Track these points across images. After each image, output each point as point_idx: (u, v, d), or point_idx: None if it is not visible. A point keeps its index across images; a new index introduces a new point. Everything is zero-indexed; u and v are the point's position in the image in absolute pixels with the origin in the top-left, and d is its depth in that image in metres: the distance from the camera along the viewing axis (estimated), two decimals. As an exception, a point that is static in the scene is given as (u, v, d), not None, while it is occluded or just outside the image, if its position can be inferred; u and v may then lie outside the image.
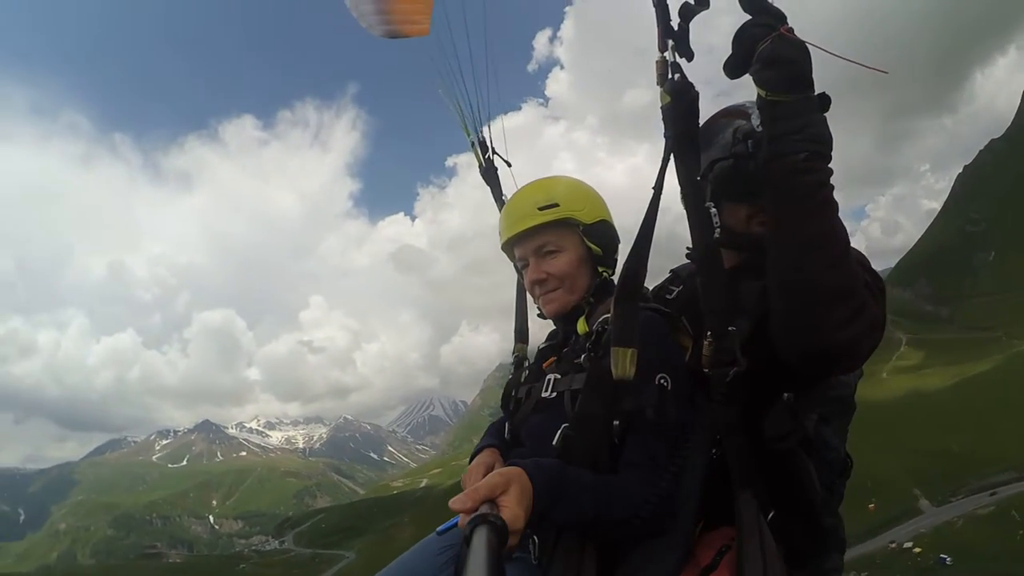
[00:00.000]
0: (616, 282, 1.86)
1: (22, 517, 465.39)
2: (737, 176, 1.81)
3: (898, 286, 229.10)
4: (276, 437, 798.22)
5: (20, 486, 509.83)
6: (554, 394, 1.86)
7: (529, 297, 2.13)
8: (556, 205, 1.92)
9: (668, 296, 2.08)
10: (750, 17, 1.52)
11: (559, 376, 1.88)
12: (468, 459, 2.05)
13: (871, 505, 69.72)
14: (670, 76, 1.65)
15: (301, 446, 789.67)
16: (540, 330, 2.29)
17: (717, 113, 2.00)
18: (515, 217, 1.98)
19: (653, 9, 1.65)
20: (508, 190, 2.69)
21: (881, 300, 1.63)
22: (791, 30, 1.48)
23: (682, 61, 1.66)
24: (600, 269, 1.99)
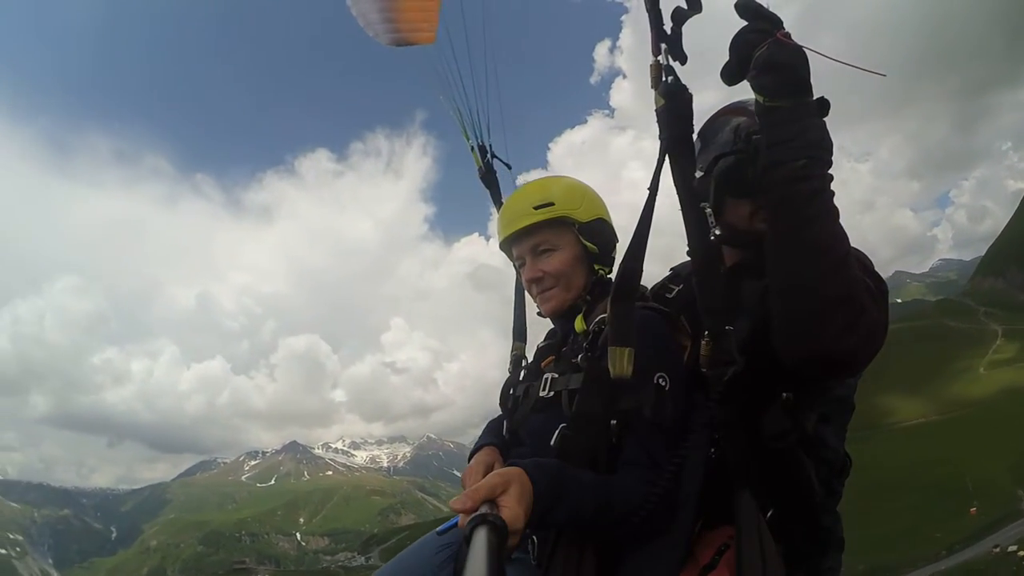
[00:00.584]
0: (612, 279, 1.92)
1: (114, 535, 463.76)
2: (740, 172, 1.78)
3: (989, 275, 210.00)
4: (361, 456, 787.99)
5: (113, 505, 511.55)
6: (551, 393, 1.85)
7: (528, 296, 2.15)
8: (551, 204, 1.94)
9: (667, 295, 2.06)
10: (746, 23, 1.51)
11: (556, 375, 1.88)
12: (467, 458, 2.02)
13: (973, 509, 67.47)
14: (664, 79, 1.66)
15: (385, 465, 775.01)
16: (541, 329, 2.32)
17: (719, 111, 2.01)
18: (511, 216, 2.00)
19: (647, 13, 1.66)
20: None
21: (883, 304, 1.61)
22: (788, 35, 1.46)
23: (676, 64, 1.66)
24: (597, 267, 2.01)
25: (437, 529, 1.60)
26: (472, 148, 2.84)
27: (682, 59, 1.65)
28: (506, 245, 2.09)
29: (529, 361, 2.28)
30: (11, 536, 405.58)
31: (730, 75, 1.53)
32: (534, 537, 1.68)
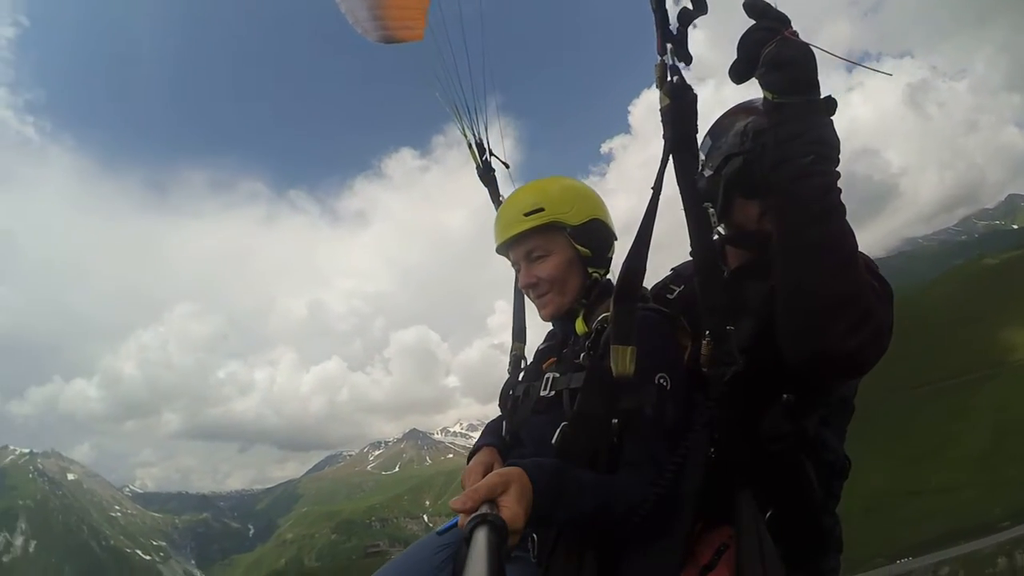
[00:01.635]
0: (610, 281, 1.96)
1: (251, 532, 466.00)
2: (750, 172, 1.79)
3: None
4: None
5: (248, 505, 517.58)
6: (552, 392, 1.86)
7: (527, 297, 2.15)
8: (541, 209, 1.93)
9: (669, 296, 2.07)
10: (753, 22, 1.51)
11: (558, 375, 1.88)
12: (467, 458, 2.03)
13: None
14: (669, 79, 1.66)
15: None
16: (540, 330, 2.31)
17: (728, 110, 2.01)
18: (503, 224, 2.00)
19: (652, 14, 1.65)
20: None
21: (888, 306, 1.60)
22: (795, 33, 1.46)
23: (681, 65, 1.67)
24: (591, 270, 1.99)
25: (437, 529, 1.59)
26: (469, 145, 2.81)
27: (687, 60, 1.65)
28: (503, 250, 2.07)
29: (528, 362, 2.27)
30: (154, 543, 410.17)
31: (738, 73, 1.54)
32: (534, 535, 1.69)
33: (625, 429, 1.61)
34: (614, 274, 1.89)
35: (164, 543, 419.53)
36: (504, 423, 2.07)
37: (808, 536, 1.74)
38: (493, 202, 2.74)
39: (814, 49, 1.47)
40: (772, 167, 1.49)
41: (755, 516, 1.55)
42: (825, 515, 1.81)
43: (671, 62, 1.65)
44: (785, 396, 1.62)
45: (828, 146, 1.46)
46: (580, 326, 1.96)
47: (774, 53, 1.45)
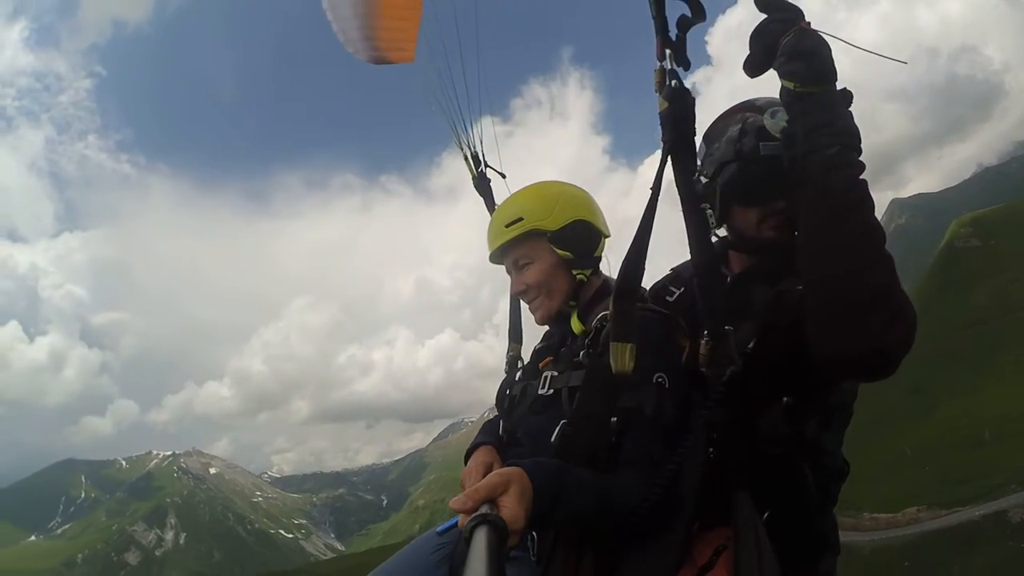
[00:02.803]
0: (605, 280, 2.04)
1: (385, 502, 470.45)
2: (745, 179, 1.80)
3: None
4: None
5: (380, 477, 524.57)
6: (551, 391, 1.88)
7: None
8: (520, 219, 2.00)
9: (668, 298, 2.07)
10: (767, 16, 1.50)
11: (556, 373, 1.91)
12: (464, 456, 2.06)
13: None
14: (668, 83, 1.67)
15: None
16: (538, 331, 2.32)
17: (725, 112, 2.02)
18: (490, 236, 2.10)
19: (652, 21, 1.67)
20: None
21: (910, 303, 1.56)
22: (809, 24, 1.45)
23: (679, 70, 1.69)
24: (575, 272, 2.02)
25: (437, 529, 1.60)
26: (465, 157, 2.90)
27: (686, 65, 1.67)
28: (495, 260, 2.16)
29: (525, 362, 2.29)
30: (296, 521, 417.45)
31: (755, 65, 1.52)
32: (533, 535, 1.69)
33: (624, 428, 1.62)
34: (614, 270, 1.92)
35: (305, 521, 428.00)
36: (501, 422, 2.08)
37: (804, 538, 1.75)
38: (489, 213, 2.73)
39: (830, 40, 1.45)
40: (801, 157, 1.45)
41: (753, 517, 1.55)
42: (821, 518, 1.81)
43: (670, 67, 1.67)
44: (785, 399, 1.63)
45: (853, 136, 1.43)
46: (576, 325, 1.99)
47: (793, 43, 1.43)
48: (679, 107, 1.66)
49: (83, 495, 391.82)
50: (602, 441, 1.63)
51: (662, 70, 1.67)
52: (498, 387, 2.25)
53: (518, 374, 2.21)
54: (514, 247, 2.03)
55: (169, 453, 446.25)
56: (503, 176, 2.83)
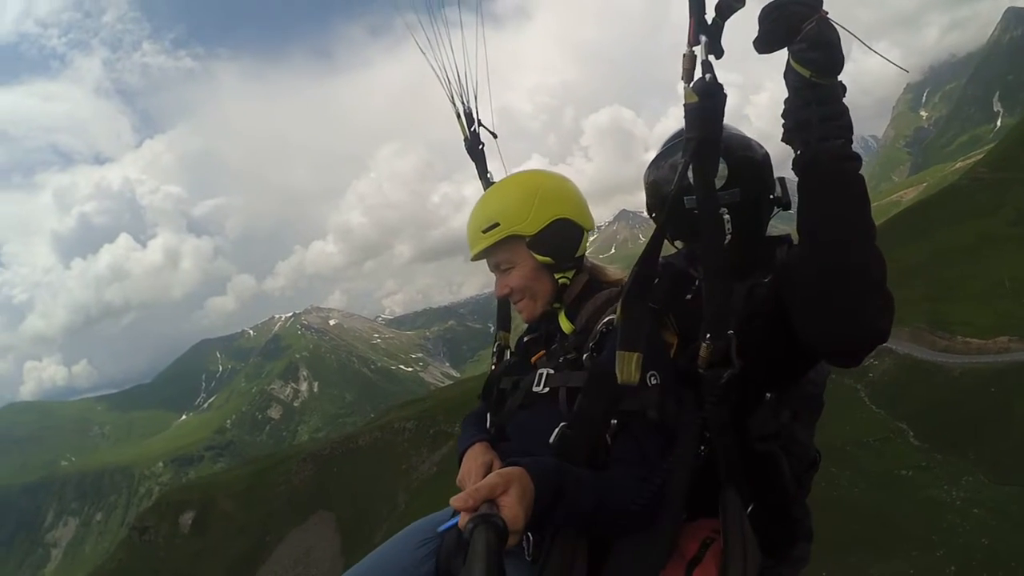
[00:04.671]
0: (590, 279, 2.02)
1: (492, 328, 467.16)
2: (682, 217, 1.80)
3: None
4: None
5: (485, 306, 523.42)
6: (546, 389, 1.86)
7: None
8: (497, 224, 1.93)
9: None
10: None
11: (552, 372, 1.88)
12: (458, 452, 2.00)
13: None
14: (701, 75, 1.56)
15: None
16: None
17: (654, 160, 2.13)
18: (469, 240, 2.03)
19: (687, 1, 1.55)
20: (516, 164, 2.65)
21: None
22: (827, 14, 1.42)
23: (711, 58, 1.57)
24: (556, 275, 1.98)
25: (438, 528, 1.58)
26: (457, 115, 2.65)
27: (719, 54, 1.56)
28: (476, 259, 2.08)
29: (511, 351, 2.29)
30: (413, 356, 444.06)
31: (770, 43, 1.46)
32: (529, 534, 1.68)
33: (622, 428, 1.64)
34: (621, 267, 1.91)
35: (421, 355, 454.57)
36: (488, 416, 2.07)
37: (782, 527, 1.79)
38: (480, 178, 2.62)
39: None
40: (817, 143, 1.45)
41: (739, 512, 1.59)
42: (796, 506, 1.86)
43: (703, 56, 1.54)
44: (768, 395, 1.67)
45: (852, 132, 1.46)
46: (565, 324, 1.96)
47: (817, 31, 1.40)
48: (711, 104, 1.56)
49: (221, 368, 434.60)
50: (601, 441, 1.64)
51: (692, 57, 1.55)
52: (486, 380, 2.20)
53: (506, 366, 2.17)
54: (493, 252, 1.98)
55: (290, 314, 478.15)
56: (494, 136, 2.64)
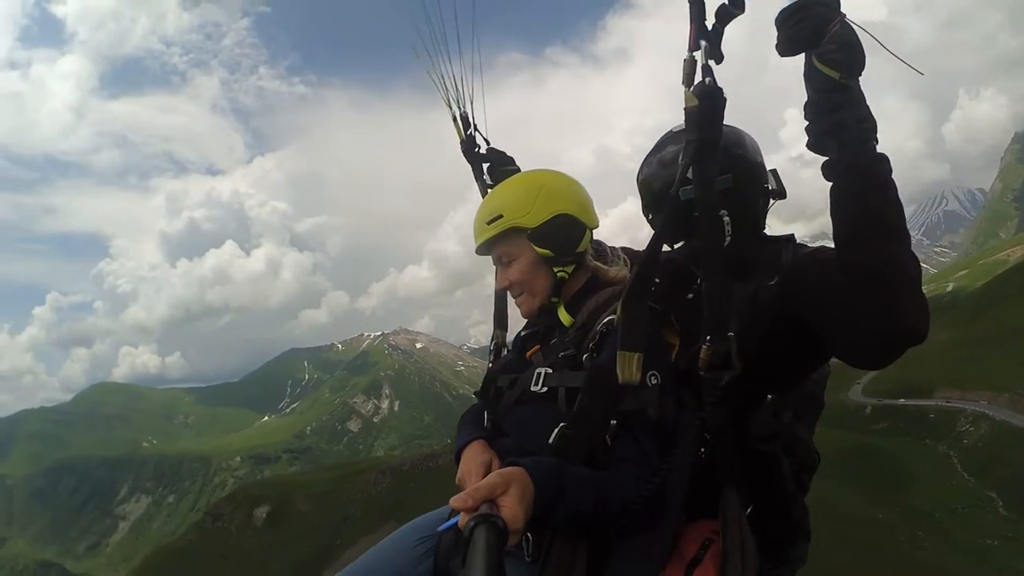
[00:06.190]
0: (591, 276, 2.00)
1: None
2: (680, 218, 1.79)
3: None
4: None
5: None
6: (544, 388, 1.84)
7: None
8: (500, 216, 1.95)
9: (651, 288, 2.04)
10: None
11: (550, 370, 1.86)
12: (455, 450, 1.97)
13: None
14: (701, 79, 1.58)
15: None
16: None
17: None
18: (474, 231, 2.05)
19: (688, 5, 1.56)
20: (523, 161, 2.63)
21: None
22: (845, 16, 1.43)
23: (711, 63, 1.59)
24: (556, 270, 1.97)
25: (439, 528, 1.59)
26: (454, 118, 2.70)
27: (718, 59, 1.58)
28: (481, 253, 2.09)
29: (508, 349, 2.29)
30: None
31: (797, 44, 1.46)
32: (529, 534, 1.67)
33: (621, 428, 1.63)
34: (625, 263, 1.93)
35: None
36: (485, 413, 2.06)
37: (782, 528, 1.80)
38: (476, 180, 2.65)
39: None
40: (855, 145, 1.43)
41: (739, 514, 1.59)
42: (796, 507, 1.86)
43: (703, 61, 1.56)
44: (770, 397, 1.68)
45: (877, 135, 1.45)
46: (564, 317, 1.95)
47: (844, 34, 1.40)
48: (710, 107, 1.57)
49: (307, 377, 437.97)
50: (600, 441, 1.63)
51: (692, 62, 1.57)
52: (483, 377, 2.17)
53: (503, 363, 2.17)
54: (496, 244, 1.99)
55: (379, 333, 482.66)
56: (487, 142, 2.67)
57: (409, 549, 1.86)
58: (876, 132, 1.43)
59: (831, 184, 1.48)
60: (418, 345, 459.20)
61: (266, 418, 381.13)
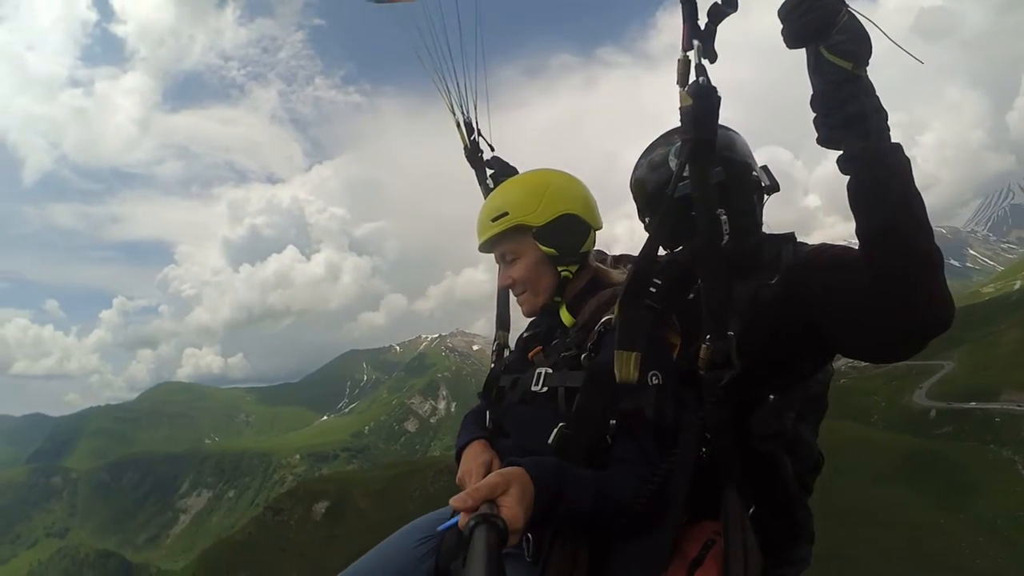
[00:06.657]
0: (594, 275, 2.01)
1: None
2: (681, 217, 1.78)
3: None
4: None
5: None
6: (545, 388, 1.84)
7: None
8: (506, 214, 1.94)
9: (652, 289, 1.97)
10: None
11: (550, 370, 1.86)
12: (455, 452, 2.00)
13: None
14: (695, 78, 1.57)
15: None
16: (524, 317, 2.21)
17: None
18: (478, 228, 2.04)
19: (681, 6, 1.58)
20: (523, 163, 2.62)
21: None
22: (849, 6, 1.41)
23: (705, 62, 1.58)
24: (560, 268, 1.97)
25: (439, 527, 1.58)
26: (458, 124, 2.76)
27: (712, 58, 1.57)
28: (484, 250, 2.10)
29: (510, 350, 2.30)
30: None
31: (808, 36, 1.42)
32: (529, 534, 1.67)
33: (621, 428, 1.63)
34: (626, 262, 1.95)
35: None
36: (488, 413, 2.06)
37: (785, 529, 1.79)
38: (480, 185, 2.71)
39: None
40: (875, 135, 1.40)
41: (741, 514, 1.58)
42: (799, 508, 1.85)
43: (697, 60, 1.56)
44: (771, 397, 1.67)
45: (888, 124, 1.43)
46: (566, 317, 1.96)
47: (855, 25, 1.38)
48: (705, 105, 1.57)
49: (365, 378, 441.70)
50: (600, 441, 1.63)
51: (687, 61, 1.57)
52: (486, 378, 2.18)
53: (505, 363, 2.17)
54: (500, 241, 1.98)
55: (436, 335, 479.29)
56: (492, 148, 2.72)
57: (410, 549, 1.85)
58: (887, 123, 1.41)
59: (851, 178, 1.42)
60: (475, 347, 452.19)
61: (325, 417, 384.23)
